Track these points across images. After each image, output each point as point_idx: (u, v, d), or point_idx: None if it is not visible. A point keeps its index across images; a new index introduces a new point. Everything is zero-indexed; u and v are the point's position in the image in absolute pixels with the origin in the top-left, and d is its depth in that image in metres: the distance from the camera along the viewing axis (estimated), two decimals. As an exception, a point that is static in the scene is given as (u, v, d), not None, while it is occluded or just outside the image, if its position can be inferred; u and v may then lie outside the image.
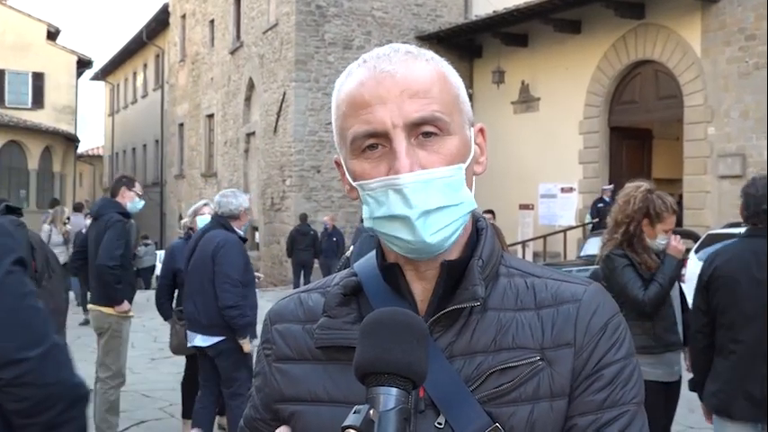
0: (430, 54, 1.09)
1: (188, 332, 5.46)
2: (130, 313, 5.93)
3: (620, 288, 3.69)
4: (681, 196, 15.14)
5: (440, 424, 1.03)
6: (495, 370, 1.04)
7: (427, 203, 1.01)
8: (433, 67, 1.06)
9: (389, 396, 0.87)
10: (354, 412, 0.87)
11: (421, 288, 1.09)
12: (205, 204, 6.44)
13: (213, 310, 5.16)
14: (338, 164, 1.12)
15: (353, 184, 1.06)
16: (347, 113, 1.05)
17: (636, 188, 3.88)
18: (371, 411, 0.86)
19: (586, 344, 1.05)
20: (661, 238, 3.84)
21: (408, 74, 1.02)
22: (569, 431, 1.04)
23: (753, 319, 3.37)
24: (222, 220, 5.32)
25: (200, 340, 5.35)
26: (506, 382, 1.03)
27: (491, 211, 12.45)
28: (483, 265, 1.08)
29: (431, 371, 1.00)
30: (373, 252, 1.16)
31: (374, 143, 1.03)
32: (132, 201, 5.91)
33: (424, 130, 1.02)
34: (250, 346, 5.20)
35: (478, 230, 1.13)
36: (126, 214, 5.82)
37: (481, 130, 1.12)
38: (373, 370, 0.89)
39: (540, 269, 1.15)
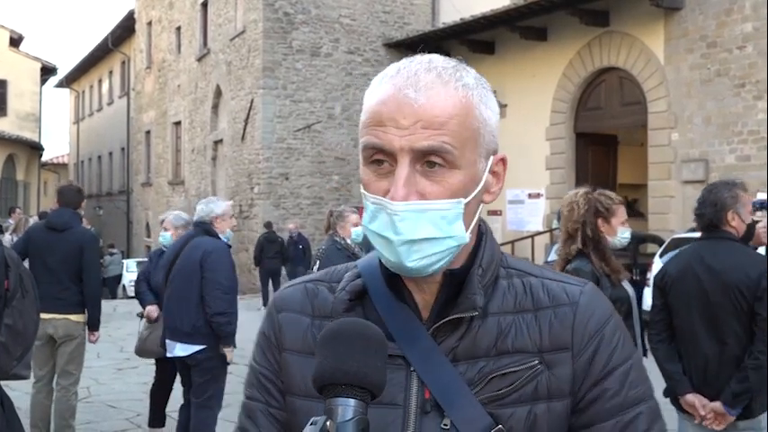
0: (467, 78, 1.06)
1: (167, 341, 5.34)
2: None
3: None
4: (634, 201, 15.32)
5: (446, 425, 1.05)
6: (495, 375, 1.06)
7: (413, 233, 1.02)
8: (460, 98, 1.04)
9: (347, 407, 0.87)
10: (311, 423, 0.86)
11: (421, 296, 1.11)
12: (163, 220, 6.44)
13: (197, 317, 5.07)
14: None
15: (361, 189, 1.08)
16: (366, 123, 1.06)
17: (575, 195, 3.82)
18: (329, 423, 0.86)
19: (584, 347, 1.08)
20: (621, 232, 3.82)
21: (428, 104, 1.01)
22: None
23: (697, 317, 3.44)
24: (206, 227, 5.27)
25: (179, 350, 5.22)
26: (506, 385, 1.06)
27: None
28: (483, 273, 1.10)
29: (436, 374, 1.04)
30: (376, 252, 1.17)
31: (381, 159, 1.04)
32: (83, 210, 6.19)
33: (429, 160, 1.02)
34: (233, 355, 5.18)
35: (480, 235, 1.14)
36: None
37: (502, 160, 1.12)
38: (331, 381, 0.89)
39: (537, 269, 1.17)
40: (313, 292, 1.18)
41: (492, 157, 1.09)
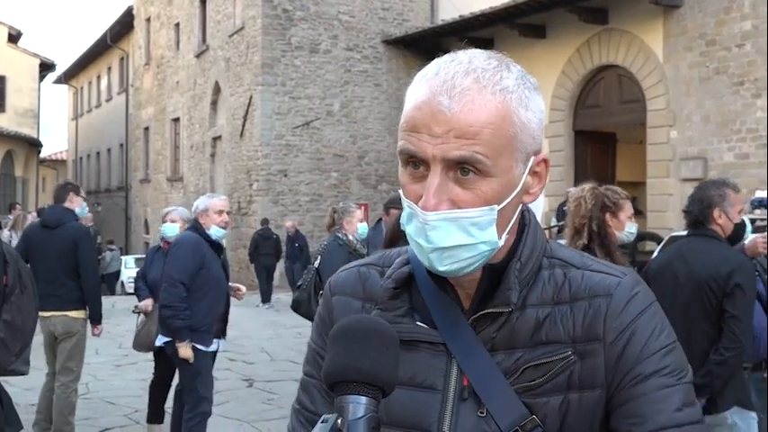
0: (507, 80, 1.04)
1: None
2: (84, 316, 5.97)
3: None
4: (632, 199, 15.30)
5: (482, 413, 1.07)
6: (530, 365, 1.07)
7: (444, 242, 1.03)
8: (496, 104, 1.02)
9: (358, 404, 0.87)
10: (322, 421, 0.86)
11: (462, 289, 1.12)
12: (170, 211, 6.37)
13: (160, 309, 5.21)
14: None
15: (400, 190, 1.09)
16: (402, 126, 1.06)
17: (581, 190, 3.79)
18: (339, 420, 0.86)
19: (616, 339, 1.07)
20: (629, 227, 3.80)
21: (462, 113, 1.00)
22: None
23: (670, 312, 3.44)
24: (194, 223, 5.31)
25: (158, 339, 5.38)
26: (540, 375, 1.07)
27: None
28: (521, 266, 1.10)
29: (475, 363, 1.06)
30: None
31: (416, 163, 1.05)
32: (81, 206, 6.04)
33: (462, 168, 1.02)
34: (188, 351, 5.03)
35: (522, 227, 1.13)
36: (77, 219, 5.96)
37: (544, 160, 1.11)
38: (342, 378, 0.89)
39: (580, 259, 1.15)
40: (365, 276, 1.20)
41: (532, 158, 1.08)
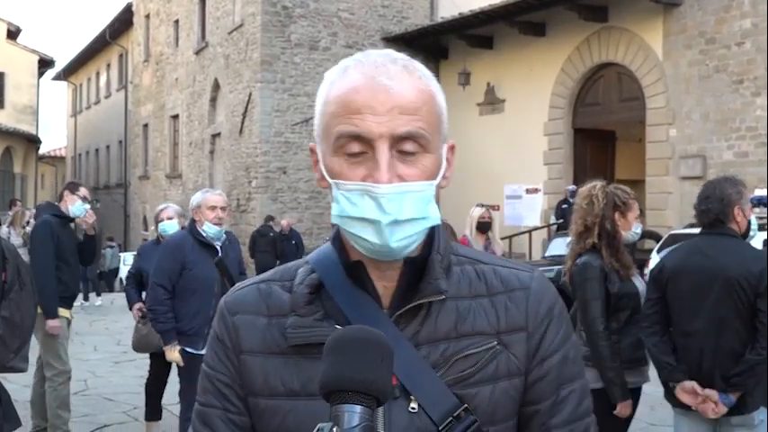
0: (423, 70, 1.12)
1: None
2: (65, 314, 5.80)
3: (583, 301, 3.67)
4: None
5: (413, 408, 1.07)
6: (459, 357, 1.10)
7: (400, 213, 1.04)
8: (425, 86, 1.09)
9: (353, 413, 0.88)
10: (317, 430, 0.87)
11: (383, 284, 1.13)
12: (163, 209, 6.14)
13: None
14: (313, 150, 1.15)
15: (330, 180, 1.08)
16: (336, 113, 1.07)
17: (592, 188, 3.79)
18: (335, 429, 0.87)
19: (536, 328, 1.14)
20: (635, 227, 3.82)
21: (403, 90, 1.06)
22: (534, 416, 1.13)
23: (695, 311, 3.43)
24: (191, 220, 5.16)
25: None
26: (469, 366, 1.10)
27: None
28: (441, 258, 1.13)
29: (402, 359, 1.06)
30: (327, 246, 1.18)
31: (358, 150, 1.05)
32: (74, 204, 5.86)
33: (405, 147, 1.05)
34: (175, 354, 4.94)
35: None
36: (66, 217, 5.86)
37: (452, 147, 1.15)
38: (337, 387, 0.89)
39: (485, 256, 1.22)
40: (266, 292, 1.17)
41: (445, 145, 1.13)
